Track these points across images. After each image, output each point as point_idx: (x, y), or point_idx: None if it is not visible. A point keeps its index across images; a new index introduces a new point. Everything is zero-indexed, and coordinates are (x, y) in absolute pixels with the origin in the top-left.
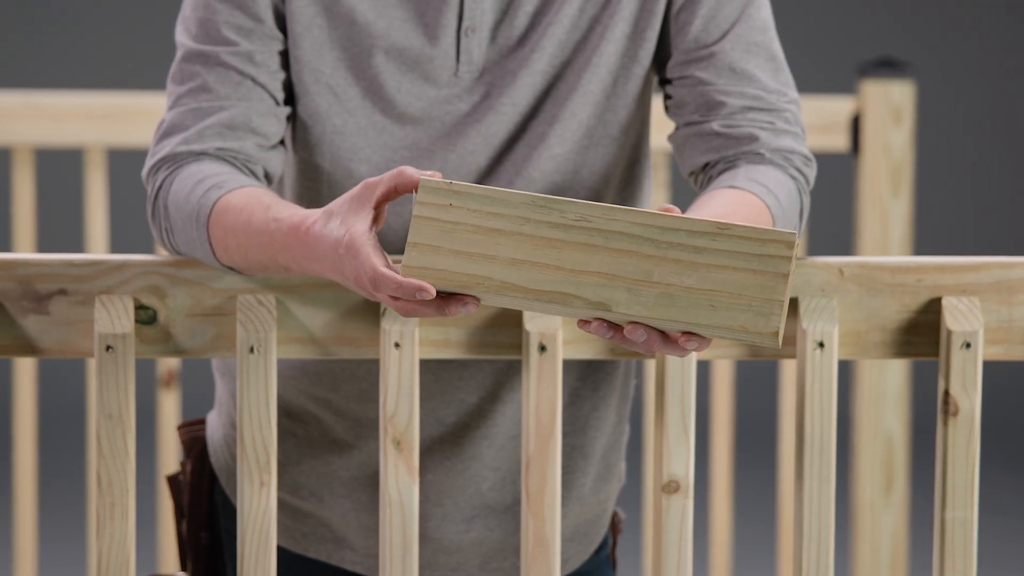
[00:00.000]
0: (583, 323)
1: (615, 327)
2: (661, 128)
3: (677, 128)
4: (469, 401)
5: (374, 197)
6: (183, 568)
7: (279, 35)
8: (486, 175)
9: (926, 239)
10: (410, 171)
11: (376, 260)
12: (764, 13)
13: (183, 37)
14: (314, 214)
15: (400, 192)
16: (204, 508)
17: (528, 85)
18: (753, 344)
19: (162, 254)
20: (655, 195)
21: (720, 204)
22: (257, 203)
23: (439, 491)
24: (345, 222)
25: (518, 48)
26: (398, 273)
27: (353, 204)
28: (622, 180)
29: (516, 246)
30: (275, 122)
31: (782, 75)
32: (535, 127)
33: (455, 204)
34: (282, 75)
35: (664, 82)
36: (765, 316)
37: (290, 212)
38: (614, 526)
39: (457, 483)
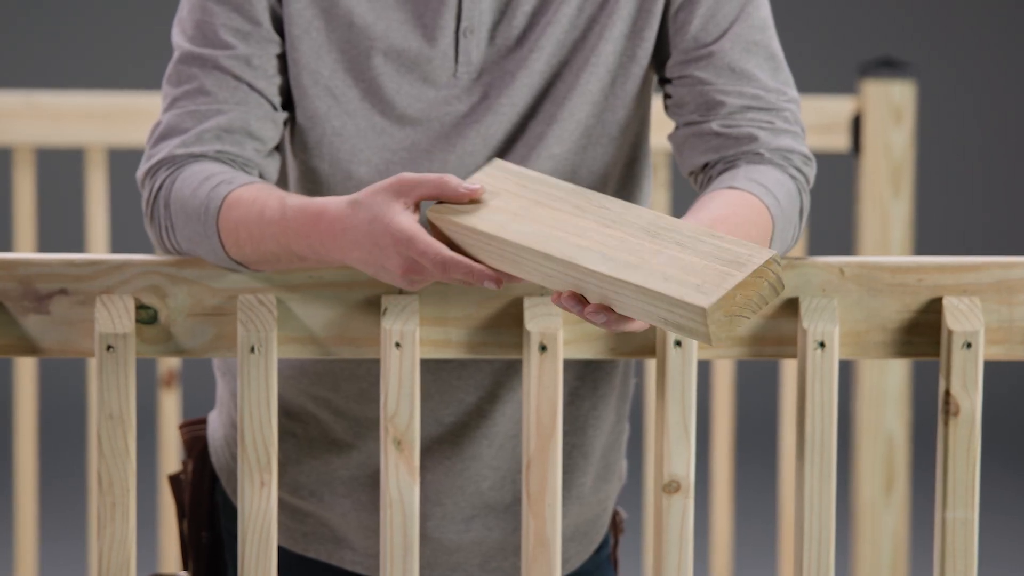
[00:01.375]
0: (556, 296)
1: (582, 302)
2: (661, 128)
3: (677, 128)
4: (468, 401)
5: (414, 194)
6: (185, 567)
7: (276, 38)
8: None
9: (926, 239)
10: (455, 182)
11: (439, 245)
12: (763, 12)
13: (179, 39)
14: (337, 201)
15: (440, 199)
16: (205, 507)
17: (527, 85)
18: (681, 327)
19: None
20: (655, 195)
21: (720, 206)
22: (269, 195)
23: (439, 491)
24: (386, 213)
25: (516, 48)
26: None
27: (388, 196)
28: (621, 179)
29: (528, 207)
30: (272, 127)
31: (781, 74)
32: (534, 127)
33: (509, 176)
34: (279, 79)
35: (664, 81)
36: (704, 293)
37: (308, 200)
38: (616, 526)
39: (457, 483)
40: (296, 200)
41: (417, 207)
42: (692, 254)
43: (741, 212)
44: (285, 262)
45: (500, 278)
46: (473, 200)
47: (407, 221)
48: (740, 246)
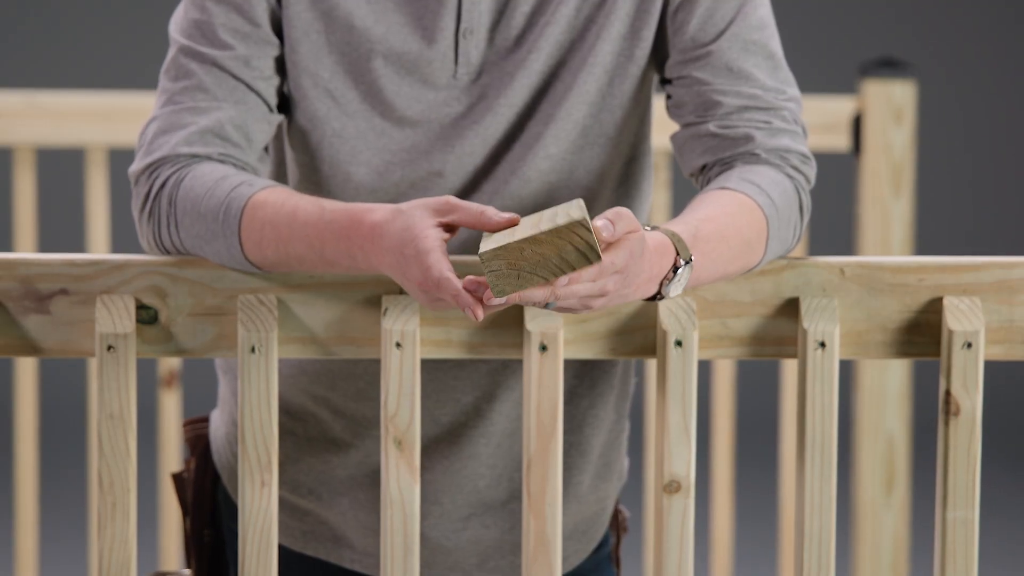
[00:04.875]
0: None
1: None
2: (661, 128)
3: (678, 129)
4: (465, 401)
5: (451, 216)
6: (187, 566)
7: (275, 40)
8: (483, 175)
9: (927, 239)
10: (491, 212)
11: (443, 265)
12: (762, 12)
13: (178, 34)
14: (382, 207)
15: (476, 227)
16: (207, 506)
17: (525, 86)
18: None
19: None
20: (656, 195)
21: (709, 207)
22: (302, 197)
23: (436, 490)
24: (418, 225)
25: (515, 49)
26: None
27: (427, 211)
28: (619, 179)
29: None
30: (267, 128)
31: (781, 73)
32: (531, 127)
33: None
34: (276, 80)
35: (665, 82)
36: (493, 241)
37: (350, 204)
38: (618, 524)
39: (455, 481)
40: (335, 203)
41: (452, 230)
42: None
43: (730, 211)
44: (309, 265)
45: (479, 310)
46: (511, 225)
47: (432, 236)
48: (577, 212)
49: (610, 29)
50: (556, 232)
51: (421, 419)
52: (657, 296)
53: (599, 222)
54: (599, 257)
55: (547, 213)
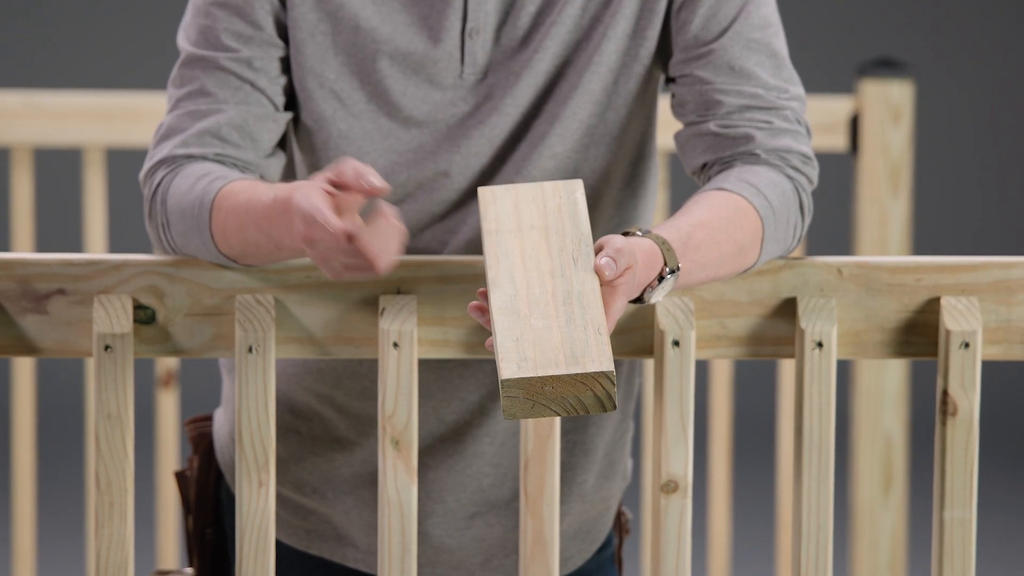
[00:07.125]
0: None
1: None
2: (662, 127)
3: (681, 128)
4: (470, 399)
5: (330, 174)
6: (189, 564)
7: (279, 42)
8: (489, 175)
9: (925, 239)
10: (348, 165)
11: (315, 203)
12: (764, 11)
13: (184, 43)
14: (296, 183)
15: (335, 183)
16: (210, 504)
17: (531, 85)
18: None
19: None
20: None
21: (703, 209)
22: (259, 184)
23: (441, 488)
24: (299, 187)
25: (521, 49)
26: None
27: (316, 175)
28: (624, 178)
29: (522, 227)
30: (272, 127)
31: (784, 72)
32: (537, 127)
33: (555, 202)
34: (282, 80)
35: (669, 81)
36: (516, 366)
37: (286, 184)
38: (621, 526)
39: (459, 480)
40: (283, 185)
41: (343, 190)
42: (564, 332)
43: (724, 215)
44: (265, 251)
45: (353, 239)
46: (373, 193)
47: (315, 189)
48: (604, 348)
49: (616, 28)
50: (582, 377)
51: (426, 417)
52: (638, 301)
53: (601, 260)
54: (615, 407)
55: (547, 185)
